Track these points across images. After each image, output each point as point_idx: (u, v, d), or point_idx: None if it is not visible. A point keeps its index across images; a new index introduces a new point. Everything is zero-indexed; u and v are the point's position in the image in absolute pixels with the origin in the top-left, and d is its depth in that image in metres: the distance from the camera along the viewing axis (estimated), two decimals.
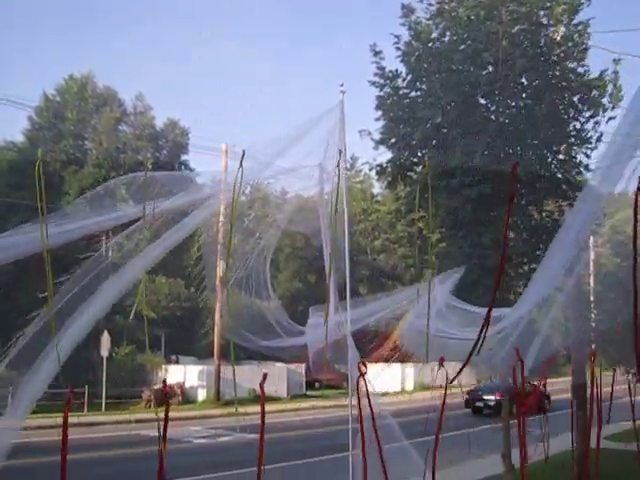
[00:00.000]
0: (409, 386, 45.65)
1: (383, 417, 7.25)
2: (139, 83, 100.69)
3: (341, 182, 7.60)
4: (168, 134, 48.90)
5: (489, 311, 4.26)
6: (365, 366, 5.46)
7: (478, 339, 4.14)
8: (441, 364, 6.06)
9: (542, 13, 11.64)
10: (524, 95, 10.69)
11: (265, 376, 4.65)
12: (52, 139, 45.81)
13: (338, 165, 7.50)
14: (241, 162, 5.37)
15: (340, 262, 8.45)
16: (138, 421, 24.18)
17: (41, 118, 46.75)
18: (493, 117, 10.68)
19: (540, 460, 12.20)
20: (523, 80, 10.73)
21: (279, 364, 40.57)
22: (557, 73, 10.89)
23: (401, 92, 11.08)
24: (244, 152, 5.43)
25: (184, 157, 50.26)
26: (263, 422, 4.39)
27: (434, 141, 10.87)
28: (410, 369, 46.29)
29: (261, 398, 4.45)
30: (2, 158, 43.93)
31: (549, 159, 11.04)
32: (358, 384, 5.59)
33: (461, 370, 5.00)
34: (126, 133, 47.75)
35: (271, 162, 6.92)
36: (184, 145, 49.60)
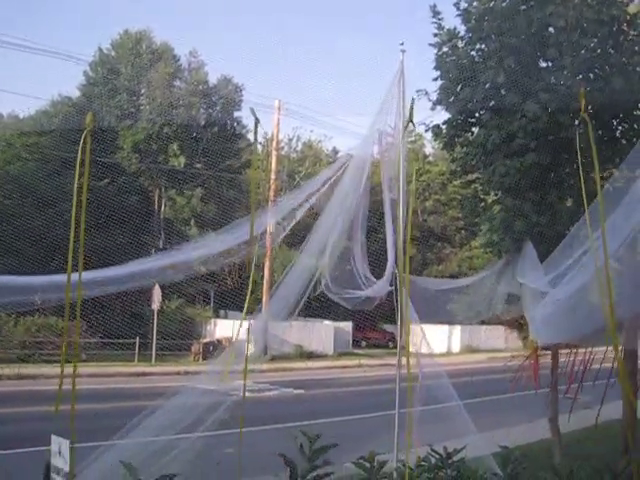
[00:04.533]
0: (455, 348, 45.52)
1: (438, 376, 7.26)
2: (193, 39, 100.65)
3: (402, 142, 7.62)
4: (221, 90, 48.86)
5: None
6: None
7: None
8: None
9: None
10: (593, 63, 10.23)
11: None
12: (107, 94, 46.22)
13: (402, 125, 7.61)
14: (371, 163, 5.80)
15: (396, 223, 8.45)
16: (187, 373, 24.75)
17: (96, 73, 47.15)
18: (554, 80, 10.29)
19: (589, 426, 12.20)
20: (592, 44, 10.25)
21: (327, 322, 40.88)
22: (629, 39, 10.39)
23: (460, 52, 10.76)
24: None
25: (237, 114, 50.32)
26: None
27: (492, 102, 10.57)
28: (457, 331, 46.08)
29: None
30: (58, 112, 44.60)
31: (612, 123, 10.68)
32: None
33: None
34: (180, 89, 47.88)
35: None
36: (237, 102, 49.54)
